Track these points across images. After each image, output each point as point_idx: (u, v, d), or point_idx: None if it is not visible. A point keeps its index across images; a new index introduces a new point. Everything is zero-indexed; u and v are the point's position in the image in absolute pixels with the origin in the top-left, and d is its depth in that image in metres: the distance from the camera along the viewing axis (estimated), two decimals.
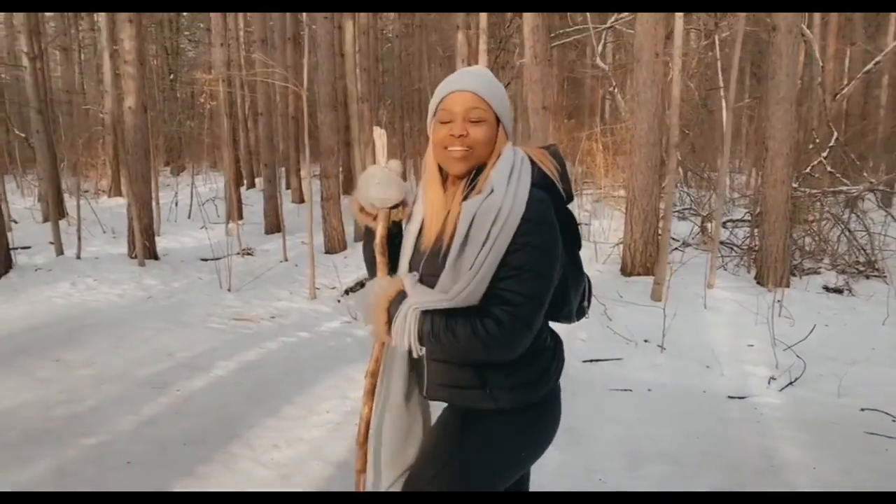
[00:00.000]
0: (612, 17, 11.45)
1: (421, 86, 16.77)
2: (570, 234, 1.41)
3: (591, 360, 4.40)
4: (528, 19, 6.54)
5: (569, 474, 2.87)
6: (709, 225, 8.82)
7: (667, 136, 6.00)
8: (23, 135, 14.22)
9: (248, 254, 8.82)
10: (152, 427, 3.33)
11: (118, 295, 6.36)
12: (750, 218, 8.76)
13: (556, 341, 1.51)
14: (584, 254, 5.45)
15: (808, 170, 8.14)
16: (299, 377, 4.06)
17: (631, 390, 3.88)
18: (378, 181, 1.41)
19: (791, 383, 3.90)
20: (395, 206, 1.45)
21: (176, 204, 12.34)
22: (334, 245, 8.86)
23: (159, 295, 6.42)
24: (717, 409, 3.61)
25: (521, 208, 1.26)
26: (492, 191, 1.27)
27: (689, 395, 3.83)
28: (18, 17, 10.10)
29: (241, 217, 11.64)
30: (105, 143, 15.33)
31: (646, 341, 4.66)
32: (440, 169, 1.40)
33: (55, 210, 7.59)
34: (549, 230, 1.28)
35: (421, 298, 1.29)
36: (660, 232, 6.10)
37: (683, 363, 4.31)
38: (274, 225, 10.82)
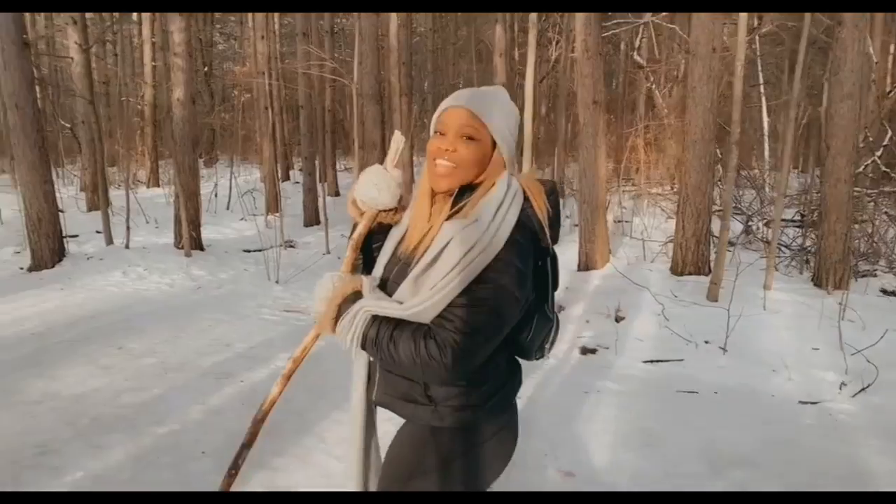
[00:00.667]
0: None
1: (456, 81, 16.72)
2: (548, 277, 1.42)
3: (652, 361, 4.32)
4: (580, 13, 6.43)
5: (647, 476, 2.82)
6: (753, 224, 8.66)
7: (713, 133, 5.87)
8: (68, 125, 14.44)
9: (291, 246, 8.87)
10: (221, 417, 3.35)
11: (168, 284, 6.43)
12: (800, 218, 8.59)
13: (513, 369, 1.47)
14: (632, 252, 5.38)
15: (861, 169, 7.92)
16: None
17: (697, 392, 3.80)
18: (375, 182, 1.42)
19: (864, 389, 3.79)
20: (387, 211, 1.45)
21: (215, 195, 12.45)
22: None
23: (208, 285, 6.48)
24: (790, 414, 3.52)
25: (498, 245, 1.25)
26: (476, 220, 1.26)
27: (758, 398, 3.74)
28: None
29: (278, 209, 11.73)
30: (144, 135, 15.55)
31: (706, 342, 4.57)
32: None
33: (104, 200, 7.71)
34: (517, 273, 1.26)
35: (374, 303, 1.30)
36: (714, 231, 5.98)
37: (748, 365, 4.21)
38: (312, 217, 10.88)
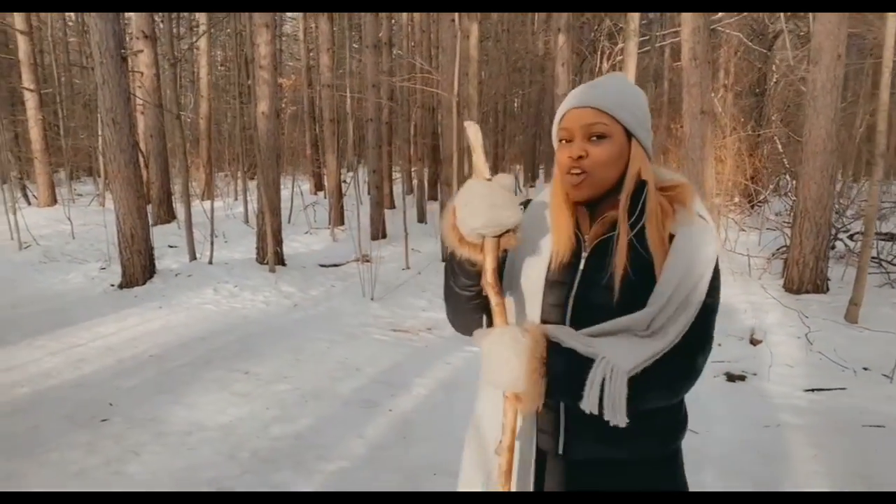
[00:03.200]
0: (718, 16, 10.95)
1: (514, 92, 16.54)
2: None
3: (814, 390, 4.02)
4: (688, 20, 6.19)
5: None
6: (844, 239, 8.28)
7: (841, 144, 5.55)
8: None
9: (367, 261, 8.71)
10: (387, 452, 3.14)
11: (263, 302, 6.28)
12: None
13: None
14: (727, 267, 5.02)
15: None
16: None
17: (885, 426, 3.50)
18: (493, 202, 1.05)
19: None
20: (506, 232, 1.08)
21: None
22: None
23: (304, 303, 6.32)
24: None
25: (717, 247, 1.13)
26: (704, 221, 1.12)
27: None
28: (136, 24, 10.28)
29: (342, 223, 11.61)
30: (200, 148, 15.60)
31: (865, 369, 4.25)
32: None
33: (188, 214, 7.61)
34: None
35: (624, 356, 1.04)
36: (848, 247, 5.65)
37: None
38: (380, 230, 10.72)
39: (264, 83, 7.39)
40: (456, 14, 7.65)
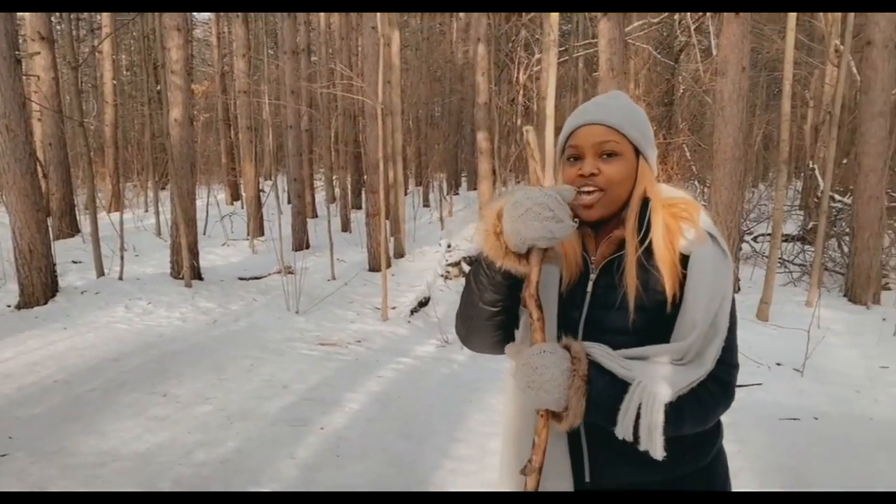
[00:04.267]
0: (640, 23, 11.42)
1: (434, 100, 16.60)
2: None
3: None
4: (605, 31, 6.38)
5: None
6: (749, 241, 8.80)
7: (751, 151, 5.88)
8: None
9: (290, 272, 8.44)
10: (320, 473, 3.01)
11: (179, 319, 5.95)
12: (800, 233, 8.77)
13: None
14: None
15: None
16: (444, 411, 3.77)
17: (799, 419, 3.69)
18: (551, 213, 1.03)
19: None
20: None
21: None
22: (378, 263, 8.55)
23: (224, 319, 6.03)
24: None
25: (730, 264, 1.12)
26: (713, 238, 1.10)
27: (863, 423, 3.66)
28: (31, 24, 9.56)
29: (262, 233, 11.23)
30: (106, 157, 14.72)
31: (778, 364, 4.49)
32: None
33: (94, 227, 7.12)
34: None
35: (662, 383, 1.02)
36: (753, 248, 5.97)
37: (828, 388, 4.15)
38: (302, 241, 10.45)
39: (176, 89, 7.04)
40: (378, 20, 7.57)
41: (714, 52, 11.19)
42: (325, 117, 13.92)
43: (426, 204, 16.86)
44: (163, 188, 20.40)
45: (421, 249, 9.51)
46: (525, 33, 15.67)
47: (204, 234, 11.84)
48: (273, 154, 16.23)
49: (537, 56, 14.56)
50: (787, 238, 8.17)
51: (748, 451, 3.22)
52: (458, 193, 17.76)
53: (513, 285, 1.11)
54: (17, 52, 5.76)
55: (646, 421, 1.00)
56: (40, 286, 6.08)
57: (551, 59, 6.74)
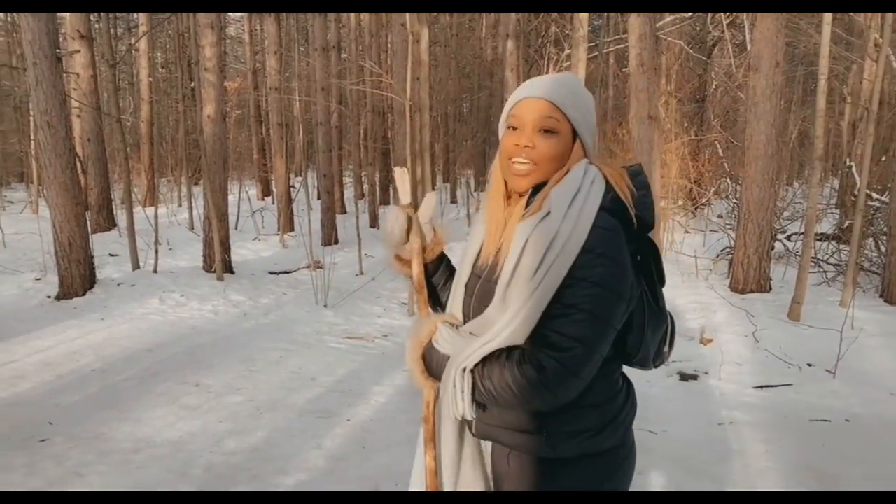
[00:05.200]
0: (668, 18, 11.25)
1: (462, 97, 16.59)
2: (652, 268, 1.24)
3: (763, 387, 4.15)
4: (635, 27, 6.32)
5: None
6: (782, 239, 8.62)
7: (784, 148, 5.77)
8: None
9: (319, 267, 8.55)
10: (346, 464, 3.06)
11: (211, 312, 6.08)
12: (836, 232, 8.57)
13: (629, 386, 1.30)
14: (674, 268, 5.22)
15: None
16: None
17: (830, 421, 3.63)
18: (387, 229, 1.34)
19: None
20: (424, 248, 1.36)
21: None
22: None
23: (254, 312, 6.15)
24: None
25: (581, 236, 1.08)
26: (547, 213, 1.11)
27: (894, 425, 3.58)
28: (71, 23, 9.84)
29: (292, 228, 11.39)
30: (142, 153, 15.06)
31: (809, 365, 4.42)
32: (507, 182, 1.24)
33: (130, 221, 7.31)
34: (612, 264, 1.09)
35: (463, 355, 1.13)
36: (786, 247, 5.86)
37: (861, 390, 4.07)
38: (331, 236, 10.57)
39: (210, 86, 7.18)
40: (408, 17, 7.61)
41: (748, 46, 10.99)
42: (354, 114, 14.05)
43: (453, 200, 16.89)
44: (196, 183, 20.81)
45: (448, 245, 9.52)
46: (555, 29, 15.58)
47: (236, 228, 12.06)
48: (303, 150, 16.41)
49: (567, 52, 14.47)
50: (822, 237, 7.99)
51: (776, 452, 3.18)
52: (485, 190, 17.74)
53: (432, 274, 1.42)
54: (58, 51, 5.94)
55: (451, 387, 1.13)
56: (79, 278, 6.26)
57: (580, 55, 6.71)
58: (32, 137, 12.48)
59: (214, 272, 7.14)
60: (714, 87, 14.29)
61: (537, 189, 1.19)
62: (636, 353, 1.24)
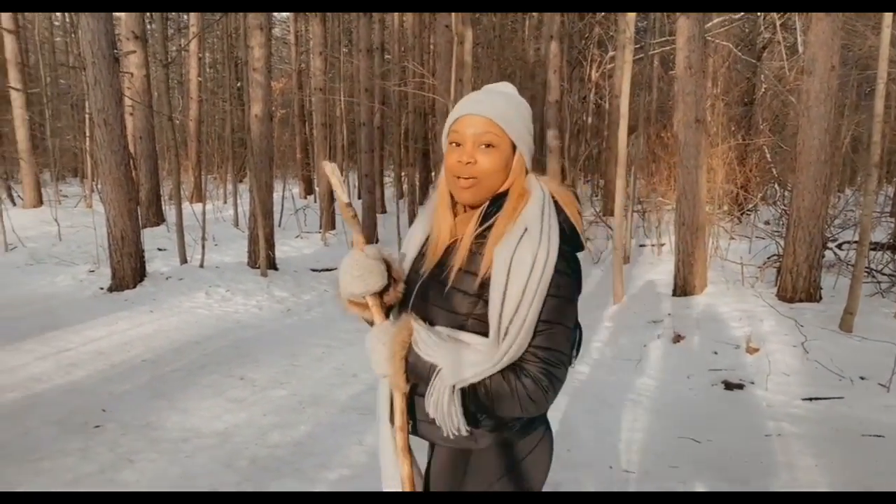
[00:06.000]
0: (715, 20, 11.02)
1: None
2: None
3: (812, 399, 4.03)
4: (683, 28, 6.22)
5: None
6: (833, 248, 8.35)
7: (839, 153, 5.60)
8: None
9: None
10: None
11: (256, 307, 6.21)
12: (891, 241, 8.27)
13: None
14: (719, 275, 5.06)
15: None
16: None
17: (884, 437, 3.51)
18: (356, 275, 1.23)
19: None
20: (384, 291, 1.28)
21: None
22: None
23: (297, 308, 6.26)
24: None
25: (554, 256, 1.17)
26: (525, 231, 1.18)
27: None
28: (126, 24, 10.16)
29: (333, 227, 11.55)
30: (189, 150, 15.46)
31: (862, 378, 4.27)
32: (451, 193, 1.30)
33: (179, 216, 7.52)
34: (575, 282, 1.21)
35: (458, 373, 1.16)
36: (837, 256, 5.68)
37: None
38: (371, 235, 10.67)
39: (258, 86, 7.33)
40: (452, 18, 7.64)
41: (800, 49, 10.69)
42: (396, 115, 14.16)
43: None
44: (240, 181, 21.26)
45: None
46: (599, 30, 15.42)
47: (279, 226, 12.28)
48: (345, 150, 16.64)
49: (611, 54, 14.31)
50: (876, 246, 7.72)
51: (827, 467, 3.09)
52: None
53: None
54: (115, 51, 6.15)
55: (435, 399, 1.17)
56: (130, 271, 6.47)
57: (626, 57, 6.62)
58: (87, 134, 12.93)
59: (259, 268, 7.29)
60: (763, 90, 13.95)
61: (495, 201, 1.24)
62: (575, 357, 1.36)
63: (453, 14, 7.61)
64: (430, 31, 16.14)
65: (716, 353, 4.92)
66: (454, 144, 1.24)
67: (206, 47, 20.78)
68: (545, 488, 1.38)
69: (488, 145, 1.21)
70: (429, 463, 1.39)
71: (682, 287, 6.59)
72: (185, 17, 18.14)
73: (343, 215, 1.29)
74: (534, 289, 1.14)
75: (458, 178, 1.22)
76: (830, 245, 8.35)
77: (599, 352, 5.17)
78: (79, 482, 2.83)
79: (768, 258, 7.59)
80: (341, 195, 1.27)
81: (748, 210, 11.64)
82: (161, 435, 3.34)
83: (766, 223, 11.02)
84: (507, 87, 1.32)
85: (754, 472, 3.04)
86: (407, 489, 1.31)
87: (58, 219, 10.10)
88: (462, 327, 1.21)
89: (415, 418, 1.30)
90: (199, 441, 3.28)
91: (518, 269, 1.15)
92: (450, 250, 1.27)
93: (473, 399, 1.18)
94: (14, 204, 12.90)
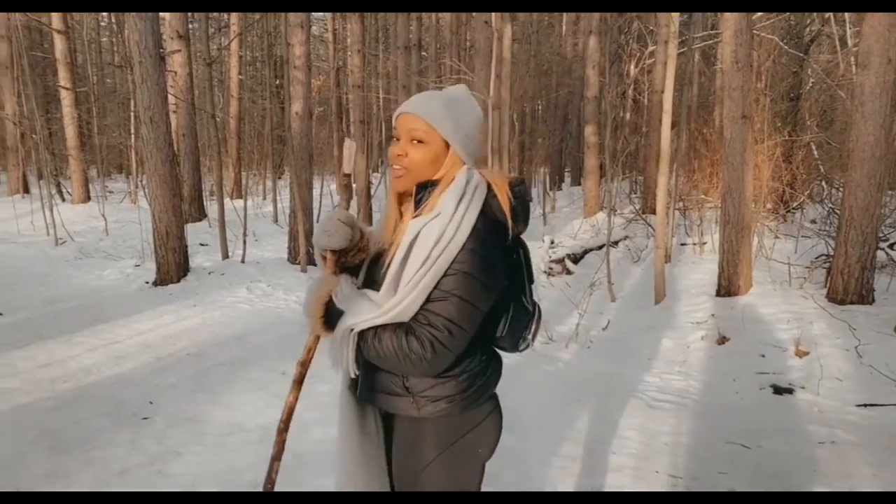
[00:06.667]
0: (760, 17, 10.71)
1: (544, 94, 16.41)
2: (523, 268, 1.49)
3: (867, 405, 3.89)
4: (731, 22, 6.05)
5: None
6: (885, 248, 8.04)
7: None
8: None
9: None
10: None
11: (296, 302, 6.28)
12: None
13: (490, 361, 1.50)
14: (765, 275, 4.90)
15: None
16: (550, 407, 3.76)
17: None
18: (325, 229, 1.44)
19: None
20: (346, 253, 1.49)
21: None
22: None
23: None
24: None
25: (464, 235, 1.30)
26: (438, 214, 1.32)
27: None
28: (171, 24, 10.37)
29: (371, 223, 11.61)
30: (230, 147, 15.73)
31: None
32: None
33: (221, 212, 7.65)
34: (484, 261, 1.31)
35: (355, 319, 1.35)
36: (890, 257, 5.47)
37: None
38: None
39: (299, 83, 7.40)
40: (493, 15, 7.59)
41: (848, 42, 10.33)
42: None
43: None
44: (279, 177, 21.54)
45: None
46: (638, 24, 15.16)
47: (317, 222, 12.41)
48: (382, 147, 16.71)
49: (651, 48, 14.05)
50: None
51: (887, 477, 2.97)
52: (560, 189, 17.51)
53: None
54: (161, 50, 6.27)
55: (333, 339, 1.40)
56: (174, 266, 6.61)
57: (670, 52, 6.47)
58: (132, 132, 13.25)
59: (298, 264, 7.37)
60: (810, 84, 13.53)
61: (423, 188, 1.40)
62: (501, 336, 1.48)
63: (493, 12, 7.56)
64: (467, 27, 16.09)
65: (763, 355, 4.79)
66: (394, 139, 1.41)
67: (245, 45, 21.12)
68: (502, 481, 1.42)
69: (419, 141, 1.36)
70: (386, 433, 1.54)
71: (727, 287, 6.43)
72: (226, 16, 18.46)
73: (337, 182, 1.49)
74: (435, 257, 1.28)
75: (393, 168, 1.39)
76: (882, 245, 8.05)
77: (642, 353, 5.08)
78: (128, 473, 2.89)
79: (816, 258, 7.36)
80: (346, 167, 1.49)
81: (793, 208, 11.32)
82: (206, 428, 3.39)
83: (812, 222, 10.68)
84: (457, 91, 1.44)
85: (809, 480, 2.94)
86: (284, 416, 1.55)
87: (105, 214, 10.38)
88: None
89: (368, 389, 1.47)
90: (243, 435, 3.32)
91: (423, 240, 1.30)
92: (394, 236, 1.43)
93: (365, 346, 1.36)
94: (63, 199, 13.30)
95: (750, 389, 4.21)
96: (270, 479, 1.60)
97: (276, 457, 1.58)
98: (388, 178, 1.52)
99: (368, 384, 1.47)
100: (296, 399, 1.55)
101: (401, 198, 1.46)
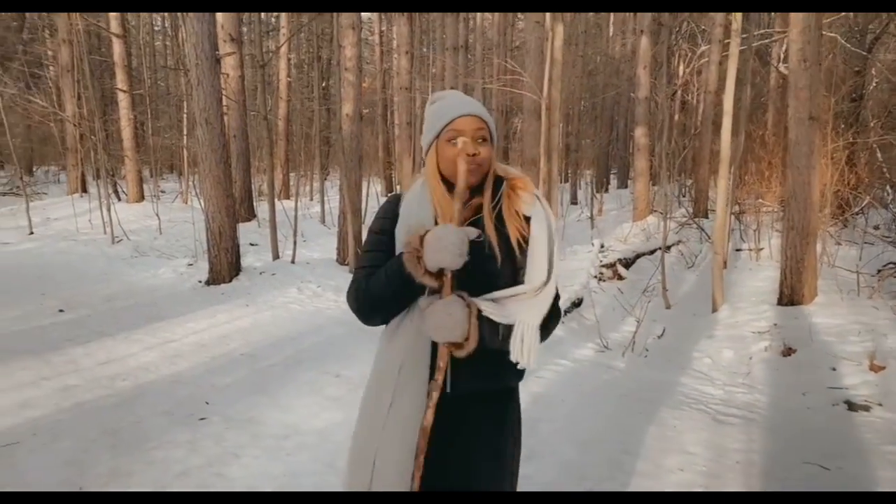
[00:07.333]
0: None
1: (588, 95, 16.17)
2: None
3: None
4: (798, 19, 5.79)
5: None
6: None
7: None
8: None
9: None
10: None
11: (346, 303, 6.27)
12: None
13: None
14: (829, 284, 4.59)
15: None
16: (611, 419, 3.63)
17: None
18: (456, 251, 1.37)
19: None
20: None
21: None
22: None
23: None
24: None
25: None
26: (537, 197, 1.52)
27: None
28: (224, 27, 10.53)
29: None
30: (278, 149, 15.96)
31: None
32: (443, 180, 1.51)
33: (272, 213, 7.72)
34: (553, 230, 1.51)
35: (530, 314, 1.43)
36: None
37: None
38: None
39: (349, 85, 7.41)
40: (547, 16, 7.47)
41: None
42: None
43: (574, 201, 16.50)
44: (325, 178, 21.77)
45: (572, 248, 9.28)
46: (690, 24, 14.79)
47: (364, 223, 12.47)
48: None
49: (702, 49, 13.66)
50: None
51: None
52: (607, 191, 17.21)
53: (421, 290, 1.44)
54: (216, 53, 6.36)
55: (527, 345, 1.43)
56: (227, 265, 6.69)
57: (732, 50, 6.24)
58: (185, 133, 13.54)
59: (347, 265, 7.38)
60: (874, 84, 12.96)
61: (493, 182, 1.52)
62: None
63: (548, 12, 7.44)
64: (513, 28, 15.95)
65: (834, 369, 4.55)
66: (452, 141, 1.48)
67: (293, 48, 21.43)
68: None
69: (484, 139, 1.50)
70: (435, 421, 1.46)
71: (789, 296, 6.15)
72: (274, 19, 18.75)
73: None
74: (554, 241, 1.49)
75: (467, 164, 1.44)
76: None
77: (701, 363, 4.89)
78: (187, 474, 2.89)
79: (884, 266, 7.01)
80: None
81: (855, 213, 10.84)
82: (263, 430, 3.38)
83: (876, 227, 10.21)
84: (468, 97, 1.58)
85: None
86: (422, 443, 1.44)
87: (158, 213, 10.62)
88: (496, 287, 1.44)
89: (472, 378, 1.48)
90: (299, 438, 3.29)
91: (552, 229, 1.49)
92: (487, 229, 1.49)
93: (546, 333, 1.49)
94: (119, 199, 13.69)
95: (822, 405, 4.00)
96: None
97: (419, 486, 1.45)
98: (431, 178, 1.55)
99: (476, 372, 1.48)
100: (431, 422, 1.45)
101: (448, 186, 1.52)
